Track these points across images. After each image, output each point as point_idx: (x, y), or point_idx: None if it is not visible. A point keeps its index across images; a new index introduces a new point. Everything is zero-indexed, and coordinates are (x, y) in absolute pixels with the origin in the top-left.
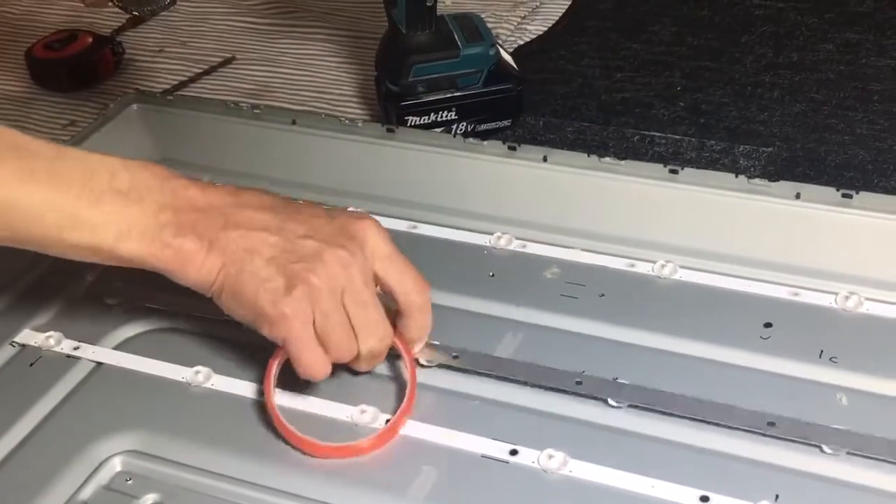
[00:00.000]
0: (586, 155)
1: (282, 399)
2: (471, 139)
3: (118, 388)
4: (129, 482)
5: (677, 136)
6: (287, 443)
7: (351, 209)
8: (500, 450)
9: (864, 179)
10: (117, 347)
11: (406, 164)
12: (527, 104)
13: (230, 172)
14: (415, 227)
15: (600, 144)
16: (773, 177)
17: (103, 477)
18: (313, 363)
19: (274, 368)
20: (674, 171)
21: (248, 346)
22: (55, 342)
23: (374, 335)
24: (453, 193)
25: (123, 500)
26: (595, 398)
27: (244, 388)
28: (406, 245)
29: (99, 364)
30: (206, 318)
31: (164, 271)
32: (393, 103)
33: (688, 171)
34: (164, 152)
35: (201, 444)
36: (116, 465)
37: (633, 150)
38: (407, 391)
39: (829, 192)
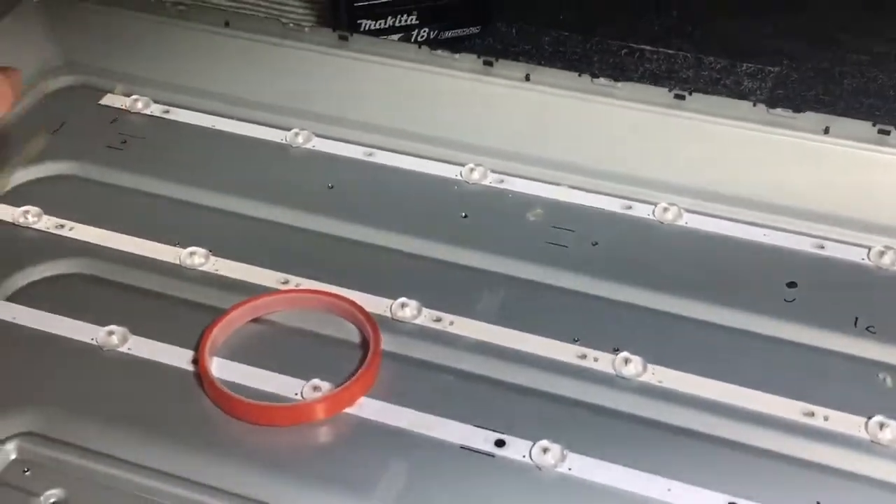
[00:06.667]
0: (577, 74)
1: (219, 371)
2: (440, 51)
3: (13, 352)
4: (27, 473)
5: (671, 51)
6: (220, 409)
7: None
8: (483, 439)
9: (886, 108)
10: (11, 298)
11: (362, 79)
12: (497, 8)
13: (149, 81)
14: (371, 155)
15: (582, 58)
16: (782, 102)
17: None
18: None
19: (214, 333)
20: (679, 97)
21: (174, 300)
22: None
23: None
24: (418, 115)
25: (19, 499)
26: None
27: (169, 354)
28: (360, 175)
29: None
30: (123, 262)
31: None
32: (344, 3)
33: (696, 98)
34: (71, 55)
35: (115, 425)
36: (11, 451)
37: (621, 67)
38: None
39: (864, 126)
